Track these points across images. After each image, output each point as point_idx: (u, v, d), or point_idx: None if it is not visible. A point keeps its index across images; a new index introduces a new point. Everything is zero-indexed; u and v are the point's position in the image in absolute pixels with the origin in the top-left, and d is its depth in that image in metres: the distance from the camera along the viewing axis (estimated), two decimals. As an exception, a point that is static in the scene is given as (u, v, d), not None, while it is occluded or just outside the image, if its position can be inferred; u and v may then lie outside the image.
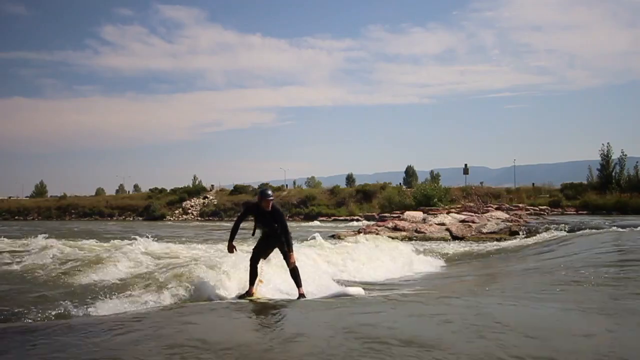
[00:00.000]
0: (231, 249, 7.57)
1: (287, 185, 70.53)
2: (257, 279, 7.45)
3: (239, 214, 7.84)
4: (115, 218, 63.78)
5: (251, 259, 7.47)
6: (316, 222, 43.64)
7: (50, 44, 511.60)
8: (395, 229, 22.62)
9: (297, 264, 7.46)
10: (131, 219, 62.47)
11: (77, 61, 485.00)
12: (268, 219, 7.30)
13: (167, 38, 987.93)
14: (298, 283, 7.30)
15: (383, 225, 23.67)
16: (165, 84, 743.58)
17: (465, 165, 54.69)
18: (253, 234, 7.52)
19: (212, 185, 70.68)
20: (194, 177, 77.89)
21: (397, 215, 28.84)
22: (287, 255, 7.31)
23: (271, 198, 7.30)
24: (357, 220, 44.76)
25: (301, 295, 7.24)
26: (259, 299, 7.14)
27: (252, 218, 7.51)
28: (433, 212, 27.40)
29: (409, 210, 29.69)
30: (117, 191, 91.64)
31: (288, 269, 7.41)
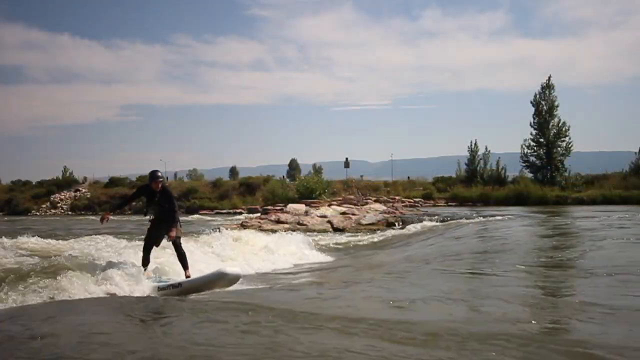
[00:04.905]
0: (103, 219, 7.85)
1: (167, 178, 67.94)
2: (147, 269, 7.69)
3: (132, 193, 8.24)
4: (-30, 213, 57.27)
5: (144, 248, 7.76)
6: (197, 216, 42.56)
7: None
8: (278, 221, 22.67)
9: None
10: (-10, 214, 56.50)
11: None
12: (159, 198, 7.64)
13: None
14: (185, 265, 7.61)
15: (266, 218, 23.62)
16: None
17: (347, 158, 56.25)
18: (145, 214, 7.87)
19: (85, 178, 66.10)
20: (64, 169, 72.08)
21: (280, 208, 28.95)
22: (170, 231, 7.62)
23: (160, 179, 7.78)
24: (240, 213, 44.35)
25: (188, 278, 7.51)
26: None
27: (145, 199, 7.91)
28: (315, 205, 27.92)
29: (292, 203, 29.91)
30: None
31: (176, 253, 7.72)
